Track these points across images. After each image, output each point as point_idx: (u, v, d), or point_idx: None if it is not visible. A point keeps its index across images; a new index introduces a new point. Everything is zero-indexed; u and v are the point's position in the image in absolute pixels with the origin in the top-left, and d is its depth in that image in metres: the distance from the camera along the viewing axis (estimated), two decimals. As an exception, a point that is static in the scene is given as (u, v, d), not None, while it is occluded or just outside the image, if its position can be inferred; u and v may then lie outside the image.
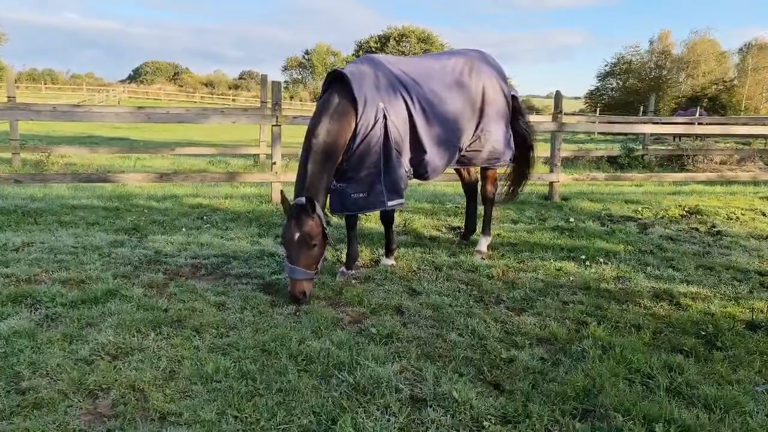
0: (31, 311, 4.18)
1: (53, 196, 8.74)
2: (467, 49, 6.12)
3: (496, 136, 5.78)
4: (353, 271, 5.30)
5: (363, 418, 2.92)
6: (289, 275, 4.52)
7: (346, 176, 4.96)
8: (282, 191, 4.84)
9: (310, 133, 4.77)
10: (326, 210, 5.52)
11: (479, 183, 6.47)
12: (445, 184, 10.90)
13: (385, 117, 4.89)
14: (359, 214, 5.59)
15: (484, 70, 5.75)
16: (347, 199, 4.97)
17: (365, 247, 6.22)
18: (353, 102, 4.80)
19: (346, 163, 4.92)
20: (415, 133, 5.14)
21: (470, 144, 5.71)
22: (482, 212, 6.43)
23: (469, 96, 5.55)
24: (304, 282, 4.48)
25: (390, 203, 5.01)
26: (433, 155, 5.34)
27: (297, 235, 4.48)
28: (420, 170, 5.43)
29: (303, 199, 4.52)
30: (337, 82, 4.98)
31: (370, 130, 4.83)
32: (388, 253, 5.69)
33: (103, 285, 4.72)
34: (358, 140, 4.84)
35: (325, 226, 4.67)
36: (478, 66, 5.73)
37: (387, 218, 5.54)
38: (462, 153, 5.72)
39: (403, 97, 5.07)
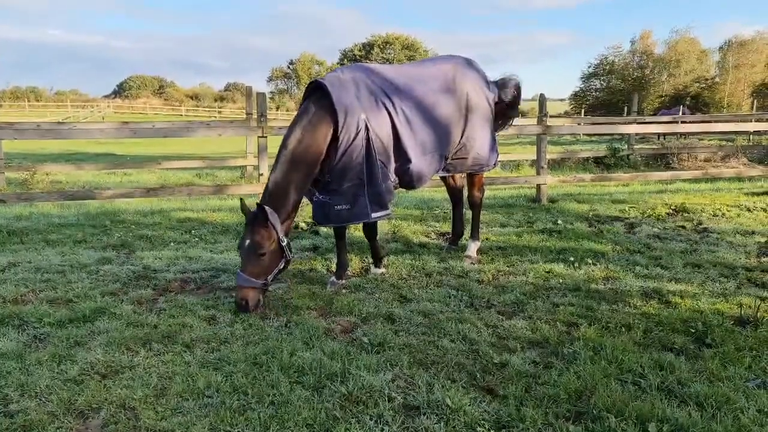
0: (19, 332, 4.13)
1: (39, 215, 8.67)
2: (451, 55, 6.11)
3: (481, 142, 5.78)
4: (343, 281, 5.28)
5: (357, 429, 2.92)
6: (236, 281, 4.59)
7: (329, 188, 4.90)
8: (242, 200, 4.85)
9: (282, 143, 4.76)
10: (310, 219, 5.48)
11: (465, 188, 6.47)
12: (434, 189, 10.90)
13: (367, 128, 4.82)
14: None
15: (468, 77, 5.71)
16: (331, 211, 4.91)
17: (355, 256, 6.21)
18: (332, 113, 4.72)
19: (328, 175, 4.85)
20: (399, 142, 5.07)
21: (456, 152, 5.67)
22: (470, 217, 6.44)
23: (453, 103, 5.51)
24: (248, 290, 4.47)
25: (374, 215, 4.93)
26: (419, 164, 5.27)
27: (246, 242, 4.54)
28: (405, 179, 5.35)
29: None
30: (317, 92, 4.93)
31: (352, 142, 4.75)
32: (377, 262, 5.61)
33: (91, 303, 4.68)
34: (340, 152, 4.75)
35: (281, 237, 4.59)
36: (462, 72, 5.69)
37: (370, 233, 5.44)
38: (448, 161, 5.68)
39: (386, 106, 5.00)
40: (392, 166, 5.12)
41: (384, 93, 5.06)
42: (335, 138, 4.74)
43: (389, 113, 5.01)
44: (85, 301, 4.74)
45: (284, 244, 4.64)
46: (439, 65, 5.69)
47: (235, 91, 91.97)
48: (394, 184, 5.23)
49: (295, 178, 4.69)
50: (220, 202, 10.12)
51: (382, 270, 5.57)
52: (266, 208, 4.51)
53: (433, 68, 5.62)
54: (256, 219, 4.54)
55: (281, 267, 4.73)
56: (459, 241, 6.57)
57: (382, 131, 4.94)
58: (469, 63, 5.92)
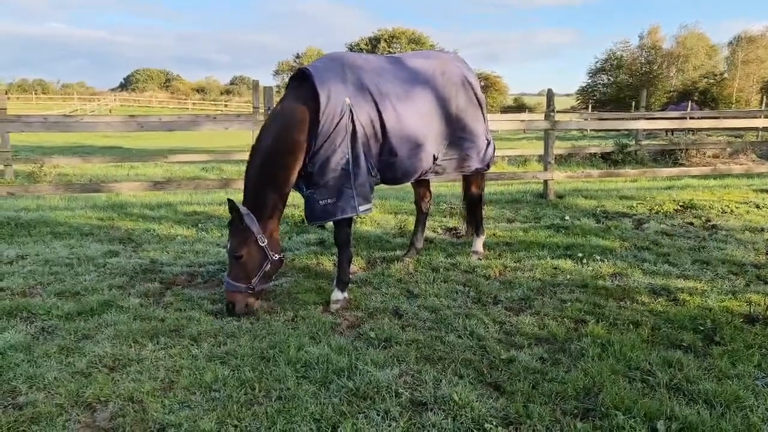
0: (27, 324, 4.15)
1: (47, 207, 8.70)
2: (441, 51, 6.01)
3: (470, 143, 5.54)
4: (350, 276, 5.23)
5: (364, 424, 2.91)
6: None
7: (313, 181, 4.56)
8: (229, 200, 4.45)
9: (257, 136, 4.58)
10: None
11: (464, 187, 6.21)
12: (441, 185, 10.89)
13: (351, 114, 4.51)
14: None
15: (458, 73, 5.45)
16: (316, 207, 4.58)
17: (362, 251, 6.20)
18: (313, 96, 4.42)
19: (310, 165, 4.51)
20: (384, 133, 4.76)
21: (445, 152, 5.39)
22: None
23: (442, 98, 5.26)
24: (233, 294, 4.36)
25: (361, 209, 4.61)
26: (404, 158, 4.95)
27: (228, 245, 4.45)
28: (388, 174, 5.00)
29: (242, 209, 4.38)
30: (298, 79, 4.71)
31: (335, 127, 4.43)
32: (340, 284, 4.75)
33: (98, 296, 4.70)
34: (321, 137, 4.41)
35: (258, 238, 4.38)
36: (452, 68, 5.44)
37: (341, 237, 4.80)
38: (437, 162, 5.35)
39: (372, 95, 4.70)
40: (374, 158, 4.79)
41: (371, 81, 4.78)
42: (316, 122, 4.40)
43: (375, 102, 4.70)
44: (93, 294, 4.76)
45: (263, 244, 4.41)
46: (430, 60, 5.45)
47: (242, 85, 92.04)
48: (375, 180, 4.89)
49: (269, 173, 4.44)
50: (226, 196, 10.11)
51: (344, 296, 4.73)
52: (241, 209, 4.34)
53: (424, 62, 5.38)
54: (232, 222, 4.41)
55: (266, 269, 4.48)
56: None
57: (366, 120, 4.64)
58: (459, 60, 5.70)
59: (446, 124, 5.31)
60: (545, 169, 9.99)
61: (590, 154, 17.34)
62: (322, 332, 4.04)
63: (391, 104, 4.80)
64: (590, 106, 50.83)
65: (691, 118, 19.64)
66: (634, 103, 34.87)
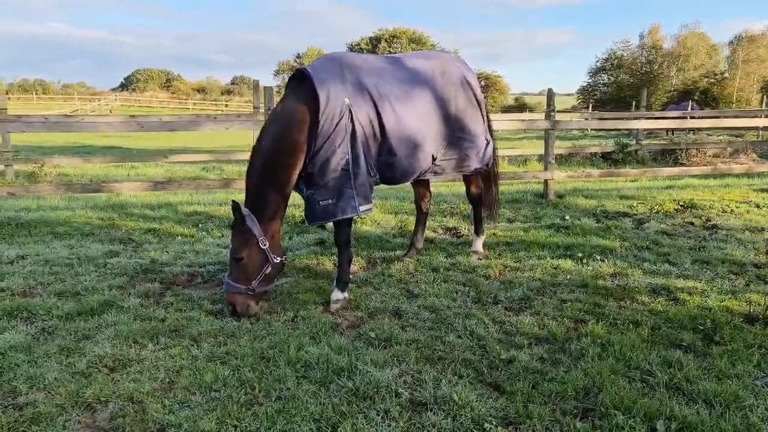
0: (27, 325, 4.16)
1: (47, 207, 8.70)
2: (440, 51, 6.01)
3: (469, 143, 5.51)
4: (350, 276, 5.23)
5: (363, 424, 2.92)
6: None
7: (313, 181, 4.57)
8: (233, 201, 4.46)
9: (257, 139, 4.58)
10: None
11: (465, 187, 6.20)
12: (442, 185, 10.89)
13: (351, 114, 4.51)
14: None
15: (457, 74, 5.42)
16: (316, 207, 4.59)
17: (362, 251, 6.20)
18: (312, 97, 4.41)
19: (310, 165, 4.50)
20: (383, 133, 4.74)
21: (444, 152, 5.37)
22: (473, 213, 6.31)
23: (441, 98, 5.24)
24: (233, 295, 4.36)
25: (362, 209, 4.61)
26: (402, 158, 4.93)
27: (230, 246, 4.46)
28: (387, 174, 4.98)
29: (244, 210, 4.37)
30: (297, 80, 4.71)
31: (335, 127, 4.43)
32: (340, 284, 4.76)
33: (99, 296, 4.70)
34: (320, 138, 4.40)
35: (260, 240, 4.38)
36: (451, 68, 5.41)
37: (342, 237, 4.82)
38: (436, 162, 5.31)
39: (371, 95, 4.68)
40: (373, 159, 4.78)
41: (370, 82, 4.76)
42: (316, 122, 4.40)
43: (374, 103, 4.68)
44: (93, 294, 4.76)
45: (265, 247, 4.42)
46: (430, 60, 5.42)
47: (242, 85, 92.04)
48: (375, 180, 4.88)
49: (269, 174, 4.45)
50: (227, 196, 10.12)
51: (344, 296, 4.73)
52: (243, 210, 4.33)
53: (423, 62, 5.35)
54: (234, 223, 4.42)
55: (267, 271, 4.47)
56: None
57: (365, 120, 4.62)
58: (459, 60, 5.68)
59: (445, 125, 5.29)
60: (545, 168, 9.98)
61: (591, 153, 17.34)
62: (322, 332, 4.05)
63: (390, 105, 4.79)
64: (591, 105, 50.83)
65: (691, 117, 19.66)
66: (634, 102, 34.87)
